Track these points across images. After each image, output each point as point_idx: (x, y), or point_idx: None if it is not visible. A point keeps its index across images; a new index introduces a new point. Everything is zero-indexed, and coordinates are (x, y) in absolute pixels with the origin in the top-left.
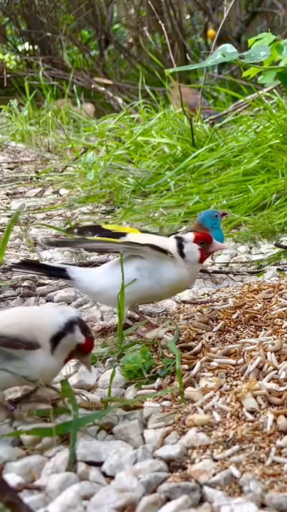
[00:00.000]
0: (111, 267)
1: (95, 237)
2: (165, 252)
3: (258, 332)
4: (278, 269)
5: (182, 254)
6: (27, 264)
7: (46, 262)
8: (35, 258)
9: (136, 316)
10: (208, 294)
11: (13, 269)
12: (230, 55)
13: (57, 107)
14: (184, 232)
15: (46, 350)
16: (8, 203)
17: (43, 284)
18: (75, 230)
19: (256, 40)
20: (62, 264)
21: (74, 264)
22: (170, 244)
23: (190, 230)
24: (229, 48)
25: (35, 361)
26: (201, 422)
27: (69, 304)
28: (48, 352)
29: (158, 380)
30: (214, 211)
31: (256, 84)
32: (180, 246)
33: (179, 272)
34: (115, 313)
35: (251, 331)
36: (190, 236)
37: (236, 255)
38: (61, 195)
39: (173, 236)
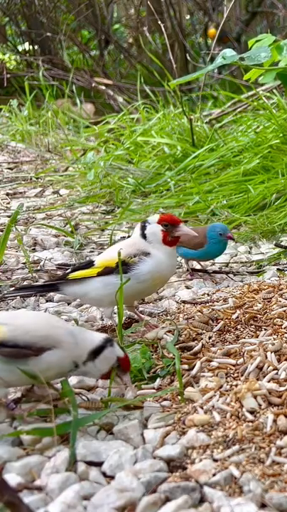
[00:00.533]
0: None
1: (74, 275)
2: (125, 264)
3: (258, 332)
4: (278, 269)
5: (144, 236)
6: (21, 289)
7: (38, 282)
8: (35, 258)
9: (136, 316)
10: (208, 294)
11: (9, 296)
12: (230, 58)
13: (57, 107)
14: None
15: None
16: (8, 203)
17: None
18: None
19: (257, 41)
20: (62, 264)
21: (74, 264)
22: (135, 233)
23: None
24: (228, 52)
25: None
26: (201, 422)
27: (69, 304)
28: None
29: (158, 380)
30: (223, 228)
31: (255, 85)
32: (143, 228)
33: (154, 262)
34: (115, 313)
35: (251, 331)
36: (154, 218)
37: (236, 255)
38: (61, 195)
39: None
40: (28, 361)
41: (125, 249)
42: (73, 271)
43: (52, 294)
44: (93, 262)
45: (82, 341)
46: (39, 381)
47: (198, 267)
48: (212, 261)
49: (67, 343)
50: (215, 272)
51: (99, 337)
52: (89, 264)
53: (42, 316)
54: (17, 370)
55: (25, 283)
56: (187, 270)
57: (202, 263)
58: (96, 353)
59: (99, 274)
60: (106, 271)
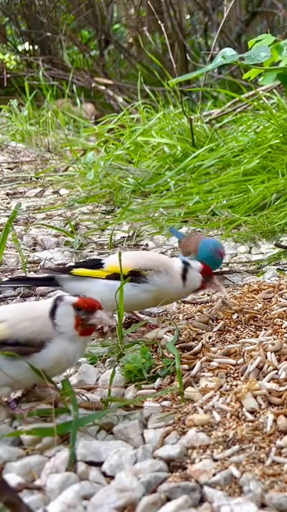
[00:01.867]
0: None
1: (78, 271)
2: (138, 275)
3: (258, 332)
4: (278, 269)
5: (184, 278)
6: (15, 280)
7: (33, 275)
8: (35, 258)
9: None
10: (208, 294)
11: (2, 286)
12: (230, 58)
13: (57, 107)
14: (191, 258)
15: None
16: (8, 203)
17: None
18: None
19: (257, 41)
20: (62, 264)
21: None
22: (173, 263)
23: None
24: (228, 51)
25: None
26: (201, 422)
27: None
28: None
29: (158, 380)
30: (215, 247)
31: (255, 84)
32: (185, 270)
33: (169, 281)
34: (115, 314)
35: (251, 331)
36: (197, 265)
37: (236, 255)
38: (61, 195)
39: (182, 261)
40: (32, 358)
41: (147, 262)
42: (76, 266)
43: (51, 294)
44: (101, 263)
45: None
46: (44, 378)
47: None
48: None
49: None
50: (215, 272)
51: (47, 303)
52: (98, 265)
53: (28, 306)
54: (23, 365)
55: None
56: None
57: None
58: (52, 315)
59: (108, 278)
60: (115, 276)
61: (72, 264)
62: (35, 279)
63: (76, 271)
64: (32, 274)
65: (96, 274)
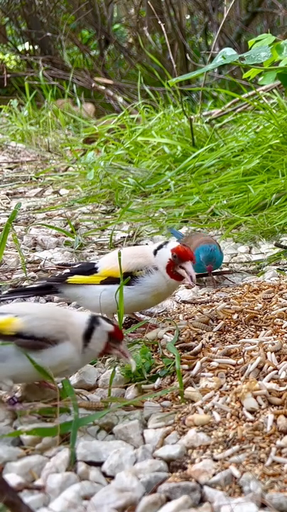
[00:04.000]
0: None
1: (74, 279)
2: (132, 276)
3: (258, 332)
4: (278, 269)
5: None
6: (15, 292)
7: (31, 285)
8: (35, 258)
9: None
10: (208, 294)
11: (3, 299)
12: (230, 58)
13: (57, 107)
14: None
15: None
16: (8, 203)
17: None
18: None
19: (256, 41)
20: (62, 264)
21: (74, 264)
22: (147, 249)
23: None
24: (228, 51)
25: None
26: (201, 422)
27: (69, 304)
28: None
29: (158, 380)
30: (207, 258)
31: (255, 84)
32: (159, 247)
33: (159, 277)
34: (114, 314)
35: (251, 331)
36: (173, 244)
37: (236, 255)
38: (61, 195)
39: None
40: (42, 353)
41: (135, 260)
42: (71, 274)
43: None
44: (95, 267)
45: (77, 321)
46: (47, 375)
47: None
48: None
49: (70, 330)
50: (215, 272)
51: (85, 319)
52: (91, 271)
53: (55, 308)
54: (28, 361)
55: (24, 283)
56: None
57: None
58: (87, 336)
59: (103, 283)
60: (110, 280)
61: (68, 271)
62: (34, 289)
63: (71, 279)
64: (31, 284)
65: (91, 281)
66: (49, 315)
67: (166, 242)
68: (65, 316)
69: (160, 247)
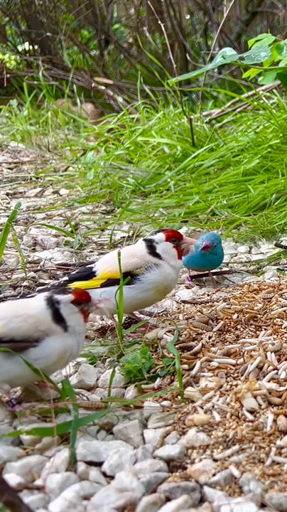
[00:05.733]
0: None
1: (73, 286)
2: (132, 275)
3: (258, 332)
4: (278, 269)
5: (154, 254)
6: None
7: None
8: (35, 258)
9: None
10: (208, 294)
11: None
12: (230, 58)
13: (57, 107)
14: (152, 233)
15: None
16: (8, 203)
17: (43, 284)
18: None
19: (256, 41)
20: (62, 264)
21: (74, 264)
22: (137, 248)
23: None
24: (228, 51)
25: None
26: (201, 422)
27: None
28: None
29: (158, 380)
30: (210, 236)
31: (255, 84)
32: (152, 247)
33: (160, 273)
34: (114, 315)
35: (251, 331)
36: (159, 236)
37: (236, 255)
38: (61, 195)
39: (141, 239)
40: (28, 353)
41: (131, 260)
42: (70, 280)
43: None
44: (93, 272)
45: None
46: (41, 375)
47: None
48: None
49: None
50: (215, 272)
51: (42, 305)
52: (90, 275)
53: (25, 304)
54: (20, 362)
55: (25, 283)
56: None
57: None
58: (58, 319)
59: (103, 286)
60: (110, 282)
61: (66, 278)
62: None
63: (71, 286)
64: (31, 286)
65: (91, 285)
66: (25, 312)
67: (151, 240)
68: (25, 310)
69: (151, 245)
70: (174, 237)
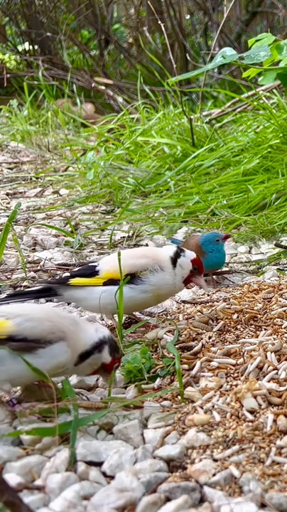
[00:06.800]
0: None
1: (75, 281)
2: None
3: (258, 332)
4: (278, 269)
5: (174, 262)
6: (14, 296)
7: (31, 288)
8: (35, 258)
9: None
10: (208, 294)
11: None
12: (229, 57)
13: (57, 107)
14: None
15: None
16: (8, 203)
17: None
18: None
19: (256, 40)
20: (62, 264)
21: (74, 264)
22: (161, 252)
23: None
24: (228, 50)
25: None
26: (201, 422)
27: (69, 304)
28: (72, 364)
29: (158, 380)
30: (216, 235)
31: (255, 84)
32: (178, 255)
33: (162, 278)
34: (114, 315)
35: (251, 331)
36: (190, 253)
37: (236, 255)
38: (61, 195)
39: (176, 246)
40: (36, 353)
41: (140, 261)
42: (72, 276)
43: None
44: (96, 270)
45: (83, 337)
46: (43, 376)
47: None
48: None
49: (72, 337)
50: (215, 272)
51: (93, 338)
52: (93, 273)
53: (48, 309)
54: (24, 363)
55: (24, 283)
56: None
57: None
58: (83, 356)
59: (105, 285)
60: (111, 282)
61: (68, 274)
62: (33, 292)
63: (73, 281)
64: (30, 286)
65: (93, 283)
66: (44, 316)
67: (182, 250)
68: (66, 319)
69: (178, 255)
70: (197, 266)
